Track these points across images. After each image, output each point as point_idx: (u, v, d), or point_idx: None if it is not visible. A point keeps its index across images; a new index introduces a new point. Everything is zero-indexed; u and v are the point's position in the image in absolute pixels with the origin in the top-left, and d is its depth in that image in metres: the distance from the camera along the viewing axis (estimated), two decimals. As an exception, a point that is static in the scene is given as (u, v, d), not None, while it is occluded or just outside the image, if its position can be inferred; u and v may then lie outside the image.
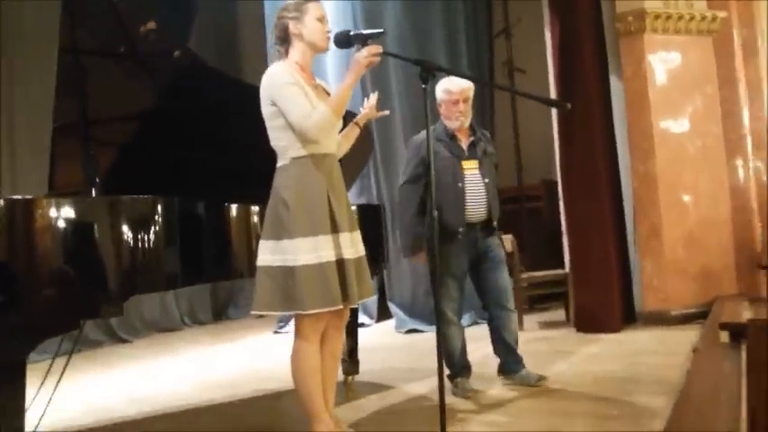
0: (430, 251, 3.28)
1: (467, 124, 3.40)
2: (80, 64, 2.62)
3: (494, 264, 3.42)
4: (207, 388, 3.97)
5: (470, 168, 3.34)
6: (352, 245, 2.43)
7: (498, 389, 3.42)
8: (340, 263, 2.35)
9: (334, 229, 2.36)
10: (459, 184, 3.30)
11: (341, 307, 2.36)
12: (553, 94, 5.21)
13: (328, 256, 2.31)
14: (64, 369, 2.78)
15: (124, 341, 5.89)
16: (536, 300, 6.02)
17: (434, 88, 3.37)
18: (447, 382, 3.27)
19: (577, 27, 5.01)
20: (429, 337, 5.37)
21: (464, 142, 3.40)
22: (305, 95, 2.35)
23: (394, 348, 4.92)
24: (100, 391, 3.88)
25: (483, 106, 5.74)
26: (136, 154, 3.05)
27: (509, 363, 3.48)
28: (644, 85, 5.08)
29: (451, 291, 3.35)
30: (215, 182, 2.89)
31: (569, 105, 2.49)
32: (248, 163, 3.15)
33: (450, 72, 3.68)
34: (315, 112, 2.33)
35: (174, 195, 2.43)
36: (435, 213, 2.33)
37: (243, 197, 2.79)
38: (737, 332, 3.33)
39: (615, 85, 5.22)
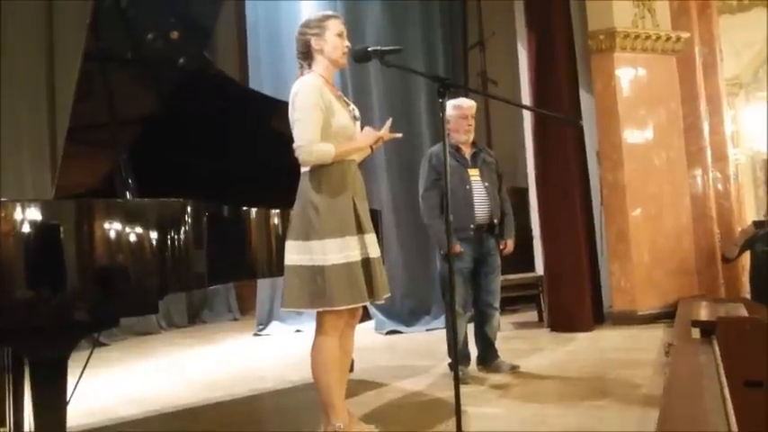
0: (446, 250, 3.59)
1: (471, 138, 3.81)
2: (104, 70, 2.70)
3: (492, 268, 3.80)
4: (203, 388, 4.03)
5: (474, 175, 3.75)
6: (374, 244, 2.58)
7: (493, 379, 3.67)
8: (365, 262, 2.50)
9: (360, 230, 2.51)
10: (467, 187, 3.69)
11: (367, 303, 2.51)
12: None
13: (355, 255, 2.46)
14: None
15: (101, 344, 5.84)
16: (506, 302, 6.26)
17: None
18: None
19: (552, 43, 5.30)
20: (409, 337, 5.56)
21: (467, 153, 3.80)
22: (319, 123, 2.46)
23: (377, 348, 5.06)
24: (96, 393, 3.88)
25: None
26: (145, 157, 3.12)
27: (485, 354, 3.87)
28: (613, 99, 5.39)
29: (458, 286, 3.62)
30: (228, 187, 3.02)
31: (582, 122, 2.72)
32: (252, 169, 3.29)
33: (466, 89, 3.97)
34: (322, 146, 2.46)
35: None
36: (451, 217, 2.52)
37: (252, 201, 2.91)
38: (707, 329, 3.63)
39: (585, 99, 5.50)
